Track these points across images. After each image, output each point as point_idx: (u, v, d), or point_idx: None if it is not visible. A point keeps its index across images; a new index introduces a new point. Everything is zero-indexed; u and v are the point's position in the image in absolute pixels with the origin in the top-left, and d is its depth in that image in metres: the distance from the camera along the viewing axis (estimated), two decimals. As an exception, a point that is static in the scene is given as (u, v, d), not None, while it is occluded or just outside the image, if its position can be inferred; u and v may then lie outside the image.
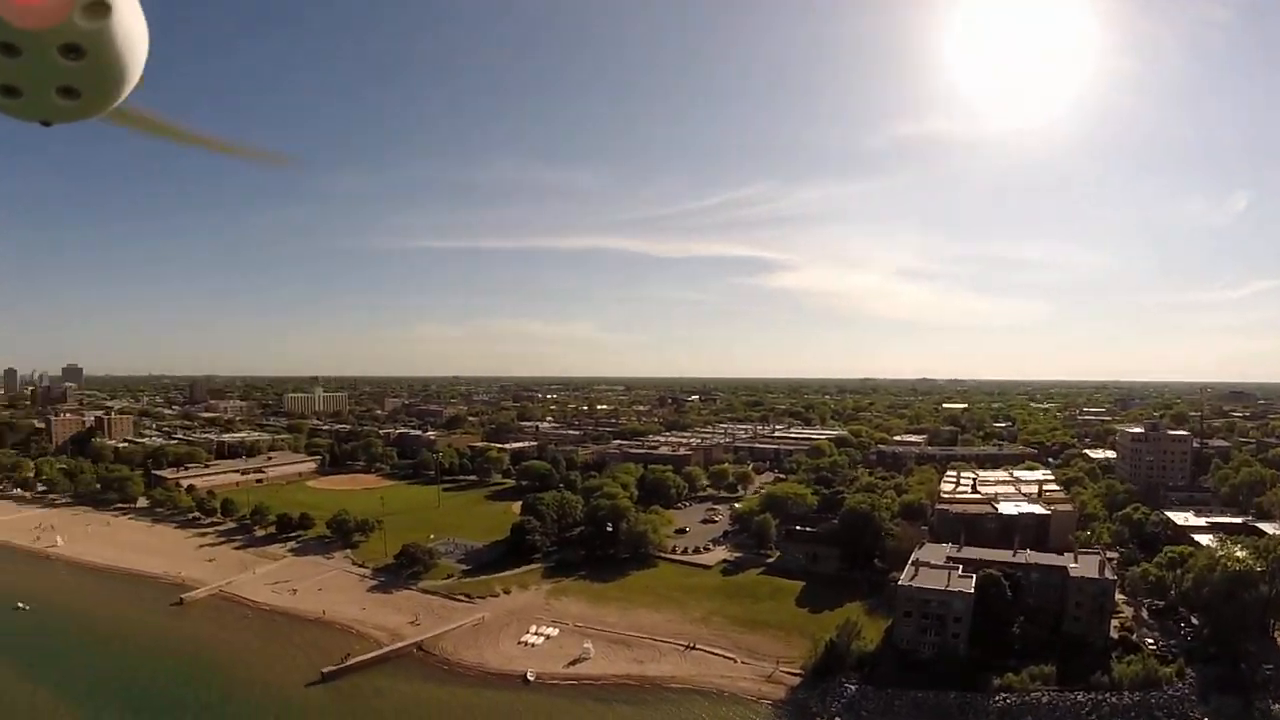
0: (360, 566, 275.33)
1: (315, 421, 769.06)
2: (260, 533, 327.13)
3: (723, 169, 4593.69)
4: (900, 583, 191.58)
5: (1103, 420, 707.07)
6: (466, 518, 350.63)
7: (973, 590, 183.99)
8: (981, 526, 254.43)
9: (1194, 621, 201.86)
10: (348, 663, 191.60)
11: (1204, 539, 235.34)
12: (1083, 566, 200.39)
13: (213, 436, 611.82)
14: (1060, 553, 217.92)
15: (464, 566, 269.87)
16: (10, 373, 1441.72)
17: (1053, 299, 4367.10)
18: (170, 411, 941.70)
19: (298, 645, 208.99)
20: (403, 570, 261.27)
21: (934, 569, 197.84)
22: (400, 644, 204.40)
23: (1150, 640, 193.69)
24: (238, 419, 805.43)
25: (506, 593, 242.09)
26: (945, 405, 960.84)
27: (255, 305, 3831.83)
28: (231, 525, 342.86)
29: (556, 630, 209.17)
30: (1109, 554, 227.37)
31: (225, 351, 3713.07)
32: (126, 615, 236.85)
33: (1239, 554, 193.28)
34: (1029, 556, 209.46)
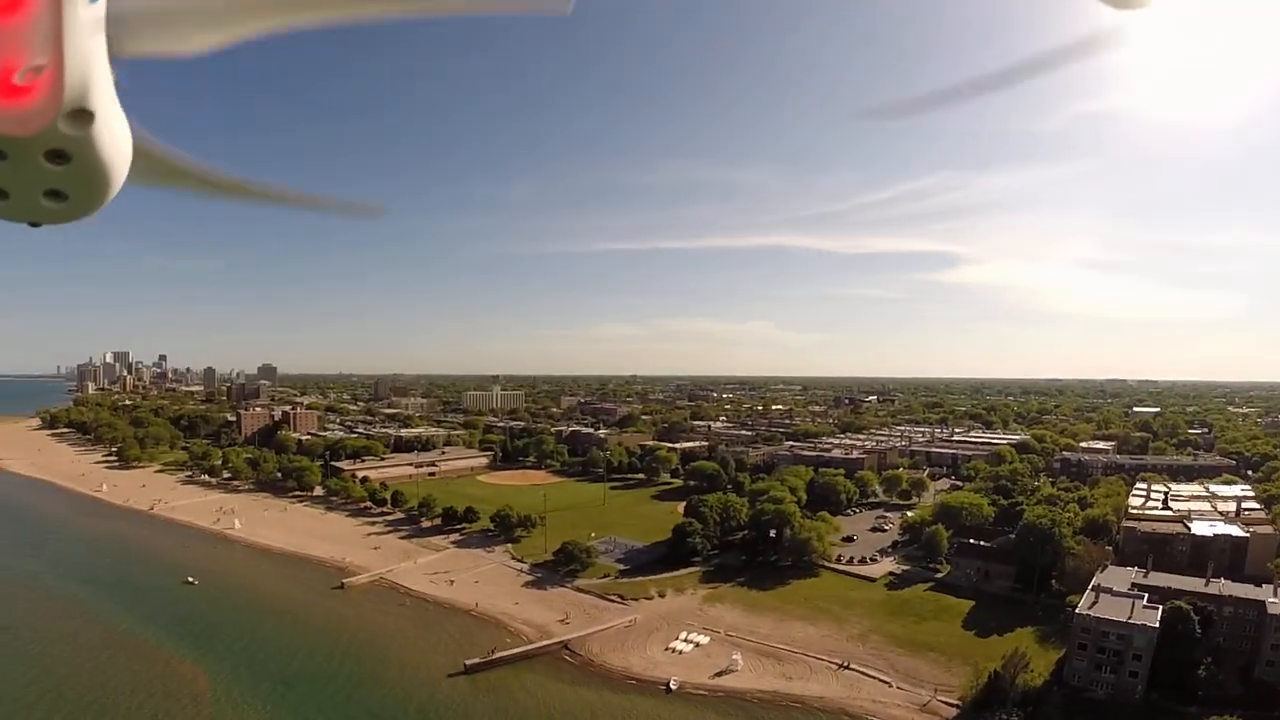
0: (519, 561, 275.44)
1: (491, 418, 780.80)
2: (426, 524, 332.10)
3: (897, 160, 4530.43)
4: (1077, 610, 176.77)
5: None
6: (630, 517, 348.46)
7: (1158, 624, 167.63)
8: (1172, 548, 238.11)
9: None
10: (492, 656, 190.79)
11: None
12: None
13: (390, 431, 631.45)
14: (1259, 583, 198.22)
15: (622, 566, 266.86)
16: (209, 371, 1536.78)
17: (1249, 290, 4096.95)
18: (355, 408, 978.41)
19: (448, 635, 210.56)
20: (560, 567, 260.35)
21: (1116, 597, 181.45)
22: (547, 642, 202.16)
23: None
24: (416, 415, 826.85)
25: (661, 596, 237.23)
26: (1136, 409, 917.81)
27: (443, 309, 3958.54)
28: (400, 516, 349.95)
29: (706, 638, 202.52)
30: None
31: (413, 352, 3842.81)
32: (290, 595, 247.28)
33: None
34: (1223, 587, 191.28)
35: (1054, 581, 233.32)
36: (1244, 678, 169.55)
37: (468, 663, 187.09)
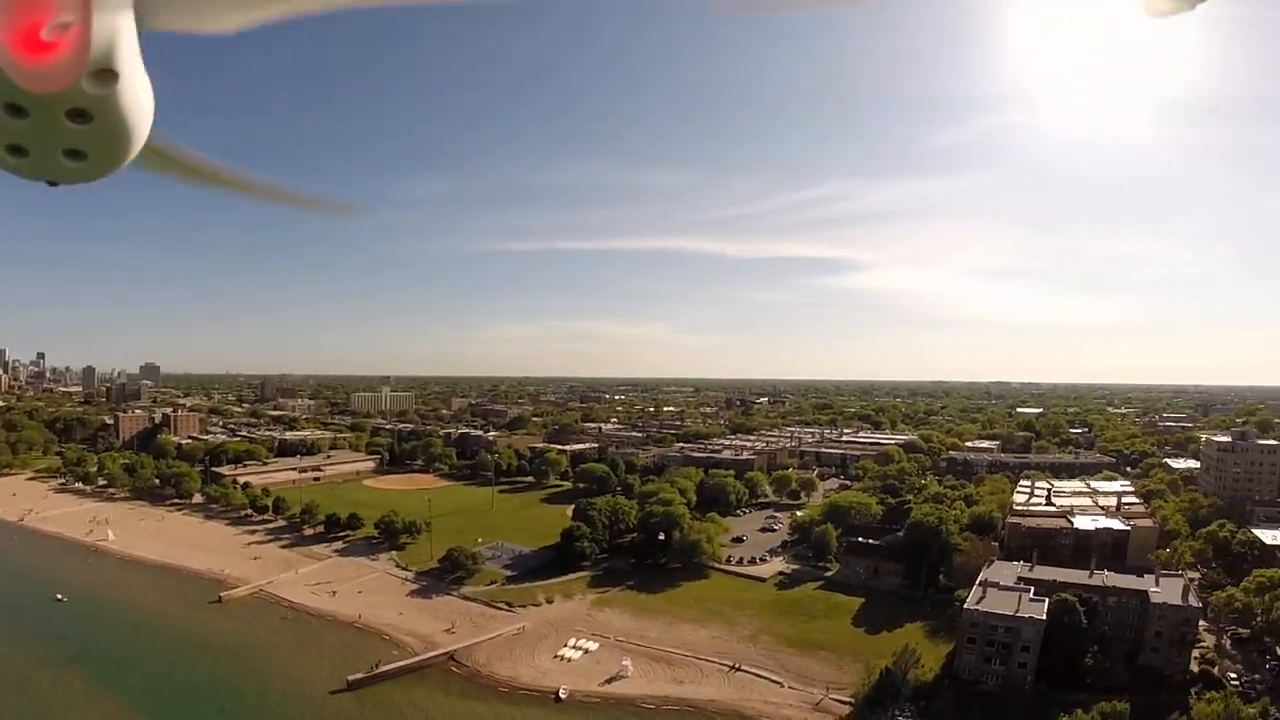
0: (404, 570, 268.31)
1: (379, 421, 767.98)
2: (309, 532, 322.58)
3: (800, 167, 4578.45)
4: (966, 606, 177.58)
5: (1184, 427, 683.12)
6: (519, 521, 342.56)
7: (1044, 616, 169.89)
8: (1056, 542, 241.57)
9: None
10: (377, 671, 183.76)
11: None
12: (1165, 591, 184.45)
13: (275, 434, 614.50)
14: (1140, 573, 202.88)
15: (509, 572, 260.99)
16: (89, 370, 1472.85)
17: (1135, 298, 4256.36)
18: (239, 409, 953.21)
19: (330, 649, 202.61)
20: (446, 575, 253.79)
21: (1003, 591, 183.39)
22: (432, 653, 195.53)
23: (1233, 675, 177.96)
24: (302, 417, 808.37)
25: (549, 602, 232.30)
26: (1020, 409, 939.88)
27: (335, 307, 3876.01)
28: (281, 523, 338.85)
29: (596, 644, 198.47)
30: (1190, 575, 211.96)
31: (308, 352, 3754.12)
32: (166, 610, 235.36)
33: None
34: (1106, 578, 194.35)
35: (942, 577, 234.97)
36: (1129, 664, 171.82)
37: (351, 678, 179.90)
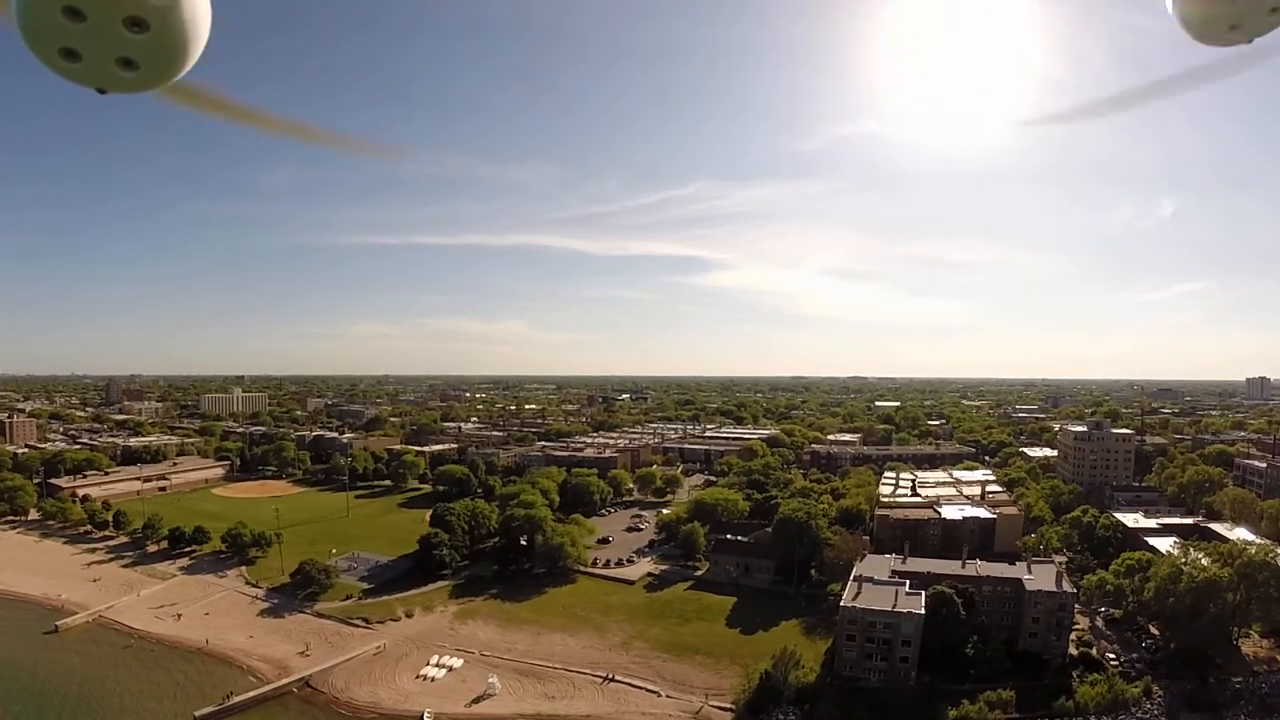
0: (254, 586, 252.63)
1: (230, 424, 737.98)
2: (152, 548, 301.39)
3: (660, 168, 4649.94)
4: (843, 603, 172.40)
5: (1036, 418, 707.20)
6: (376, 528, 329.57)
7: (923, 610, 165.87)
8: (925, 533, 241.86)
9: (1153, 632, 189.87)
10: (227, 704, 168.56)
11: (1157, 542, 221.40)
12: (1038, 578, 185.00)
13: (118, 441, 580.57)
14: (1010, 559, 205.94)
15: (366, 585, 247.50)
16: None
17: (979, 300, 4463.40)
18: (82, 414, 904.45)
19: (177, 680, 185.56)
20: (299, 591, 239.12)
21: (878, 585, 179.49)
22: (286, 680, 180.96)
23: (1111, 655, 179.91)
24: (148, 421, 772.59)
25: (409, 616, 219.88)
26: (878, 403, 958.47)
27: (190, 305, 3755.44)
28: (123, 540, 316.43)
29: (460, 660, 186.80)
30: (1058, 560, 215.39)
31: (157, 352, 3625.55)
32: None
33: (1204, 562, 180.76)
34: (980, 568, 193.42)
35: (814, 572, 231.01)
36: (1009, 651, 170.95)
37: (199, 714, 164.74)
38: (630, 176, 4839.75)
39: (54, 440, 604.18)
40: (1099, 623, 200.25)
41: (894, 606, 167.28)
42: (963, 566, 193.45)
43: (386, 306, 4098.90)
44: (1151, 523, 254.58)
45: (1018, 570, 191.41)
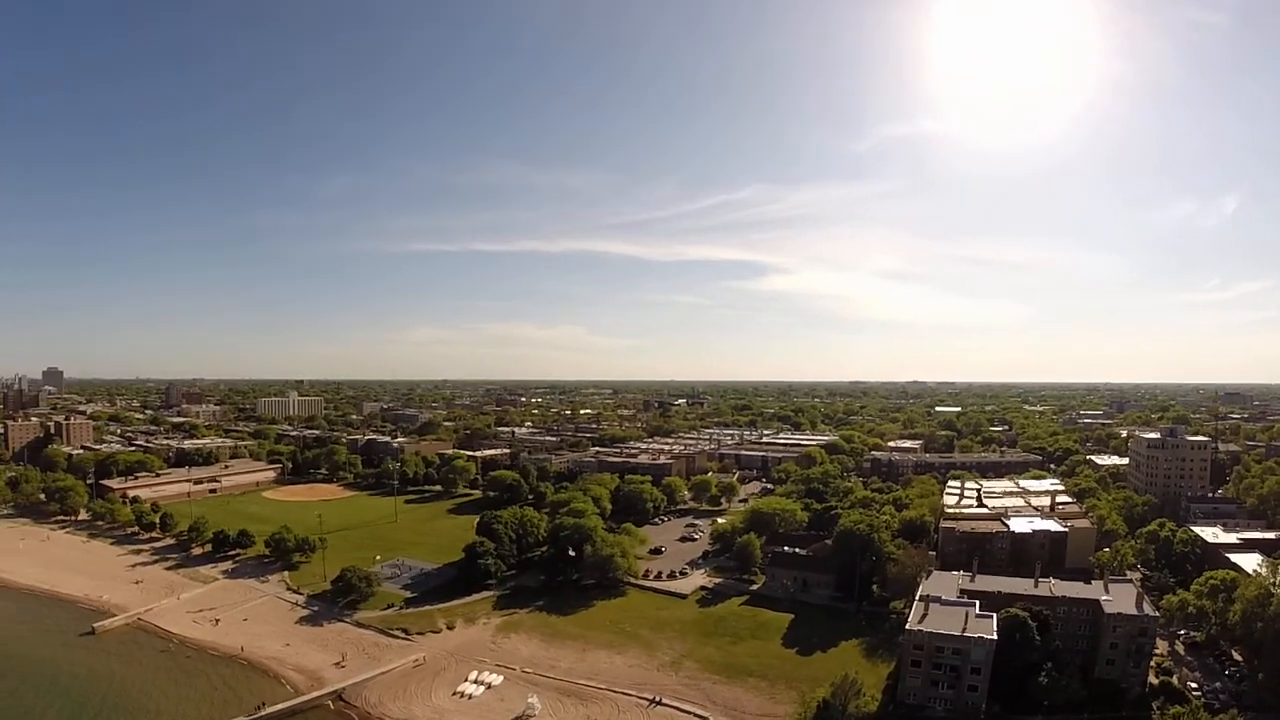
0: (295, 592, 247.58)
1: (285, 427, 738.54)
2: (197, 551, 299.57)
3: (714, 172, 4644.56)
4: (908, 626, 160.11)
5: (1103, 423, 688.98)
6: (423, 534, 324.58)
7: (995, 635, 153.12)
8: (992, 547, 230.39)
9: (1237, 659, 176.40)
10: (258, 715, 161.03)
11: (1241, 559, 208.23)
12: (1117, 599, 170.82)
13: (172, 443, 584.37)
14: (1082, 576, 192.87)
15: (409, 594, 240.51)
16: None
17: (1037, 301, 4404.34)
18: (140, 416, 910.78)
19: (209, 688, 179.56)
20: (339, 598, 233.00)
21: (946, 606, 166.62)
22: (319, 692, 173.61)
23: (1193, 685, 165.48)
24: (204, 424, 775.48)
25: (450, 628, 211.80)
26: (938, 409, 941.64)
27: (249, 311, 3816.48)
28: (169, 542, 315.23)
29: (500, 677, 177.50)
30: (1131, 576, 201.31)
31: (222, 358, 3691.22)
32: (32, 644, 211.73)
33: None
34: (1054, 588, 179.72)
35: (875, 588, 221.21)
36: (1085, 679, 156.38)
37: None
38: (684, 181, 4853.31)
39: (110, 442, 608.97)
40: (1178, 647, 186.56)
41: (964, 630, 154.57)
42: (1035, 585, 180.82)
43: (444, 312, 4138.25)
44: (1232, 537, 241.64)
45: (1094, 590, 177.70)
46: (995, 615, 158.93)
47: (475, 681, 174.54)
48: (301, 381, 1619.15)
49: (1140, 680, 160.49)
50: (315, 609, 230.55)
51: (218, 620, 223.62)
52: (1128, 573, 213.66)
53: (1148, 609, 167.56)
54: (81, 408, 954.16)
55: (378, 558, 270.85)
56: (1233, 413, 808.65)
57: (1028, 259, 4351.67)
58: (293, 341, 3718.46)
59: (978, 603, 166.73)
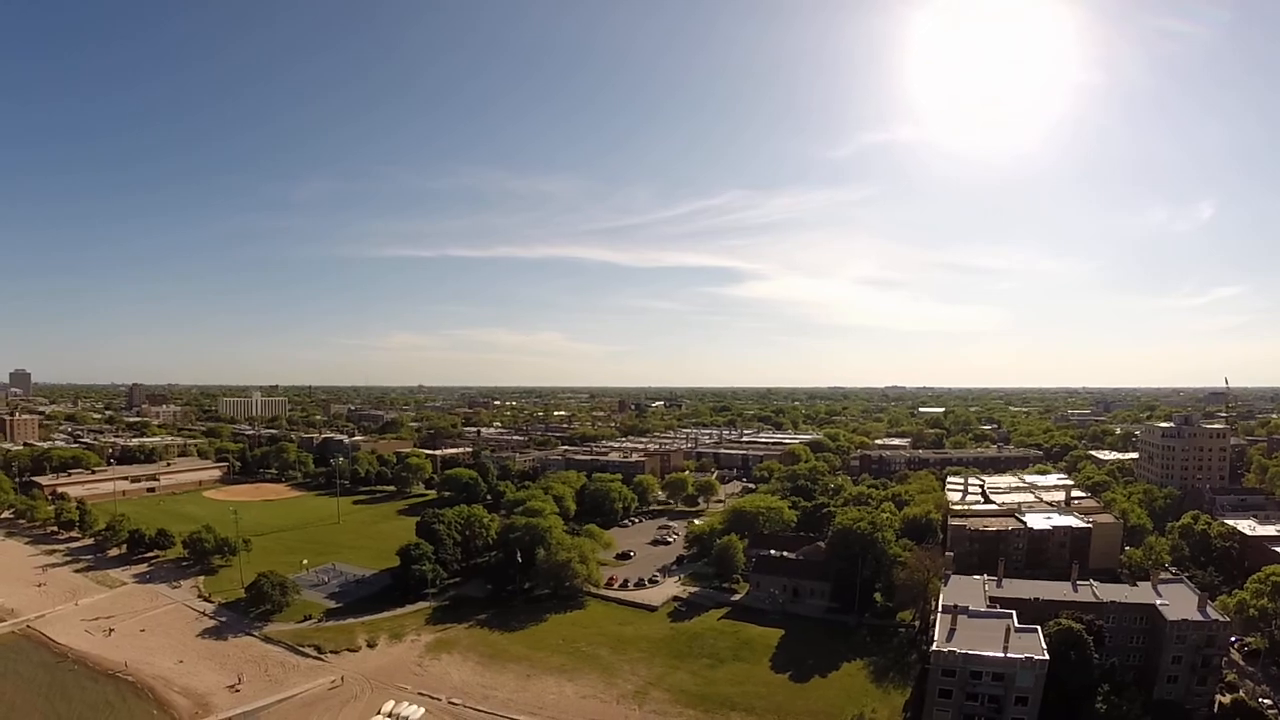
0: (205, 600, 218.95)
1: (243, 427, 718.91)
2: (113, 552, 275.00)
3: (692, 178, 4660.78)
4: (934, 647, 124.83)
5: (1096, 420, 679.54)
6: (365, 536, 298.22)
7: (1044, 654, 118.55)
8: (1008, 546, 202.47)
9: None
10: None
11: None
12: (1174, 603, 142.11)
13: (119, 440, 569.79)
14: (1110, 576, 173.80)
15: (334, 603, 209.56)
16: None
17: (1015, 306, 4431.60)
18: (97, 416, 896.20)
19: (81, 711, 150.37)
20: (252, 608, 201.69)
21: (977, 619, 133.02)
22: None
23: (1266, 701, 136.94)
24: (156, 423, 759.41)
25: (371, 645, 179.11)
26: (923, 409, 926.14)
27: (228, 317, 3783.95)
28: (87, 542, 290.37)
29: (420, 709, 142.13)
30: (1163, 575, 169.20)
31: (194, 362, 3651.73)
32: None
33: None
34: (1098, 591, 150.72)
35: (879, 596, 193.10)
36: (1144, 700, 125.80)
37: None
38: (662, 188, 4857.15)
39: (56, 439, 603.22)
40: (1234, 656, 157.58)
41: (1005, 650, 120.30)
42: (1074, 589, 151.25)
43: (421, 318, 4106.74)
44: (1271, 529, 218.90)
45: (1145, 593, 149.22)
46: (1039, 629, 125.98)
47: (389, 715, 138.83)
48: (276, 387, 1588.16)
49: (1207, 699, 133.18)
50: (223, 620, 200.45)
51: (111, 630, 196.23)
52: (1159, 572, 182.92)
53: (1214, 614, 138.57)
54: (41, 408, 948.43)
55: (305, 562, 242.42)
56: (1219, 411, 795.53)
57: (1006, 265, 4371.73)
58: (273, 347, 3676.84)
59: (1014, 613, 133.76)
